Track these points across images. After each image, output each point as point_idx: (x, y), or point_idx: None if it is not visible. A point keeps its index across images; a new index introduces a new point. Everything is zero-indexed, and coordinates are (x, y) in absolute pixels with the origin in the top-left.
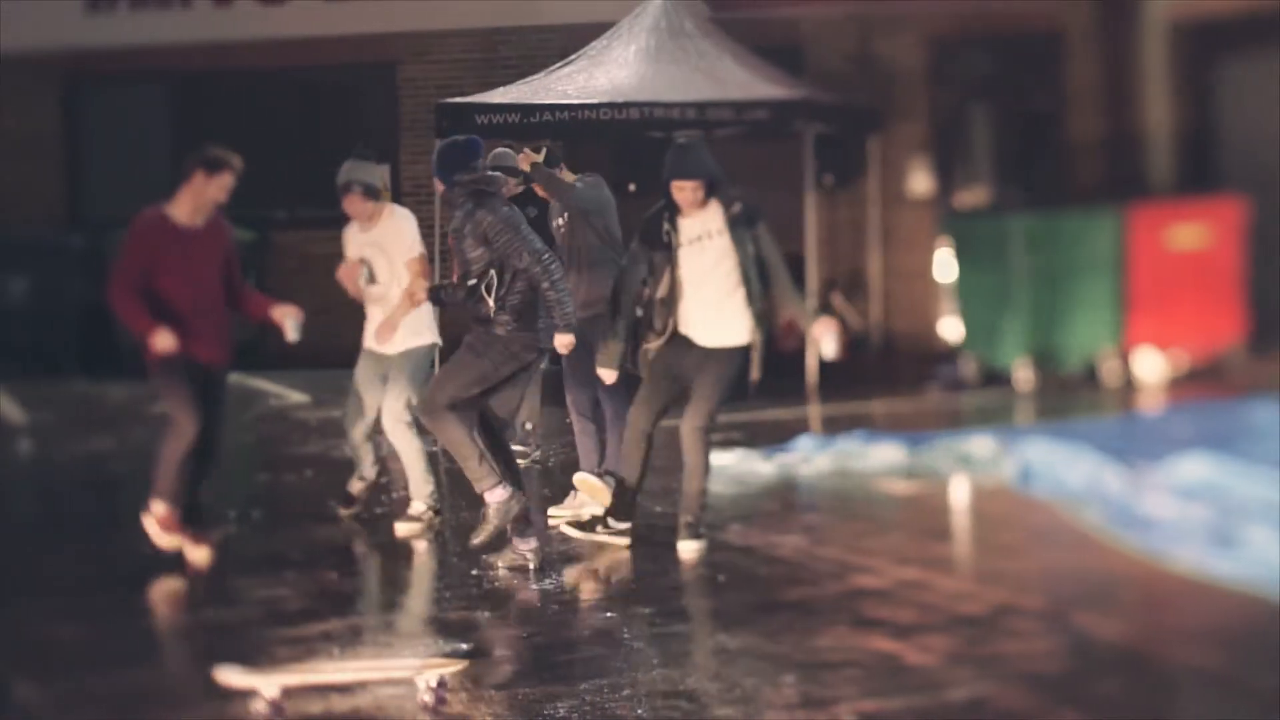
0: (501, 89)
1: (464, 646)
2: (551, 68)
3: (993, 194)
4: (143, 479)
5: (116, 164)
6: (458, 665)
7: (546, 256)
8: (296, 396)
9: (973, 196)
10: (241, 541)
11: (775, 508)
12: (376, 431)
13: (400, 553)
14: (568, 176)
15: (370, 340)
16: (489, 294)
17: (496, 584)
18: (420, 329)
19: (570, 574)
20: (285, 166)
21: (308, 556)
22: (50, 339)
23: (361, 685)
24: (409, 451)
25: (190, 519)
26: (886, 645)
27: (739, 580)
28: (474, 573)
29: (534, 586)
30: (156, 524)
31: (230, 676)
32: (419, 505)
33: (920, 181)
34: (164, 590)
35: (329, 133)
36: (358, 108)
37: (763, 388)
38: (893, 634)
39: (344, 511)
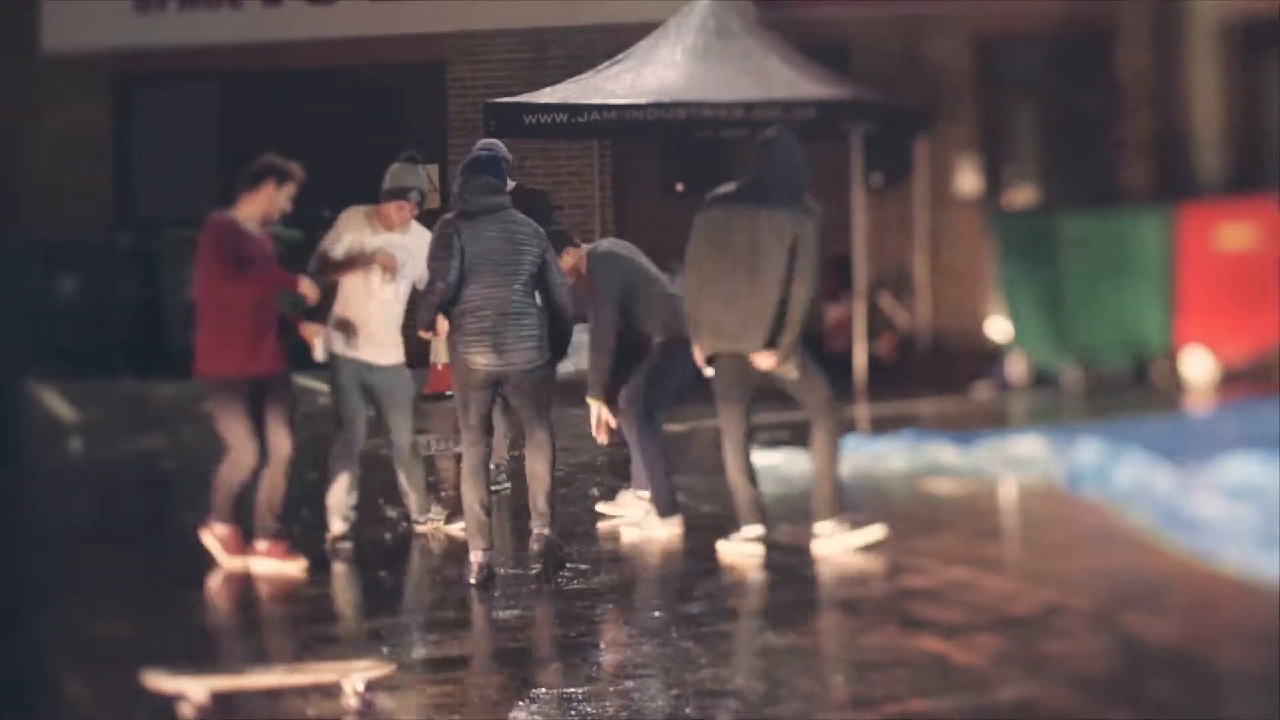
0: (549, 89)
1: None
2: (599, 67)
3: (1041, 193)
4: (192, 477)
5: (165, 164)
6: (384, 670)
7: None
8: None
9: (1021, 196)
10: (291, 540)
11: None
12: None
13: (449, 552)
14: (570, 257)
15: (357, 349)
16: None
17: (542, 584)
18: (399, 342)
19: (618, 573)
20: (333, 166)
21: (357, 554)
22: (99, 338)
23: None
24: (418, 471)
25: (279, 535)
26: (935, 645)
27: (787, 580)
28: (518, 572)
29: (580, 585)
30: (219, 544)
31: (159, 681)
32: (430, 518)
33: (968, 181)
34: (214, 589)
35: (377, 133)
36: (406, 108)
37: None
38: (941, 634)
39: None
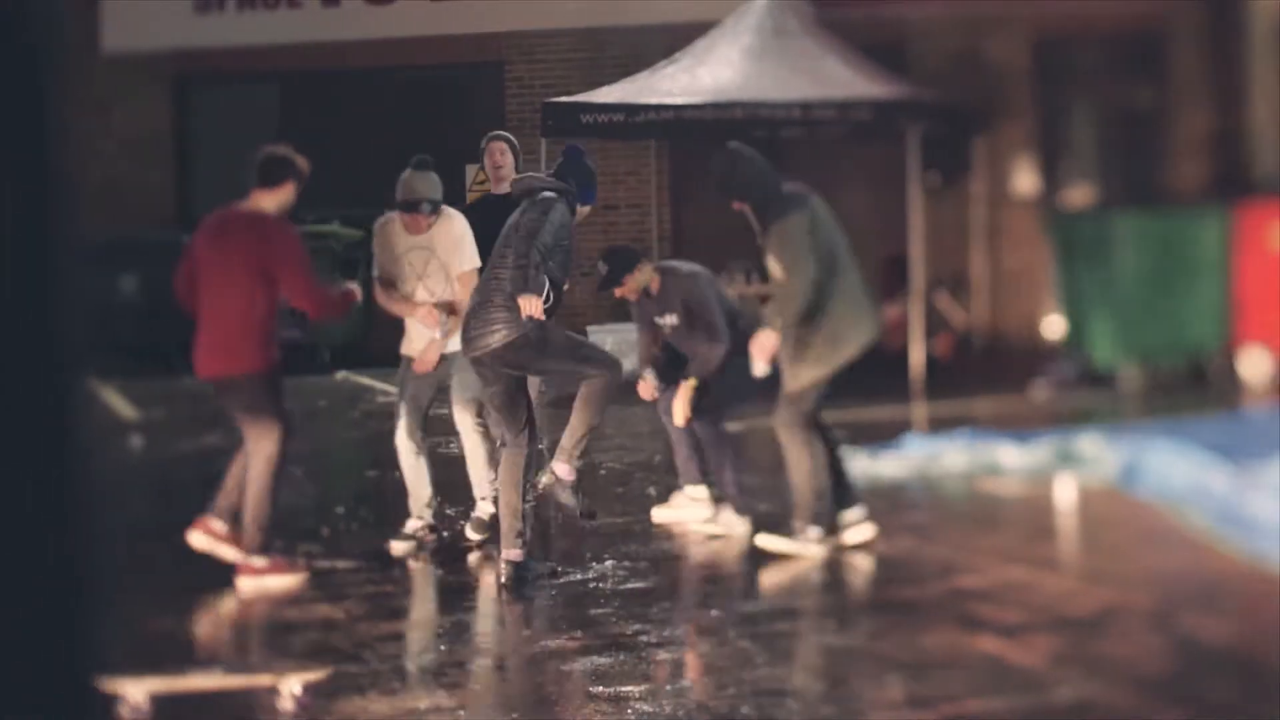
0: (606, 88)
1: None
2: (656, 66)
3: (1098, 192)
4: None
5: (225, 163)
6: (320, 673)
7: None
8: None
9: (1078, 195)
10: (350, 538)
11: (880, 507)
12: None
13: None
14: (641, 275)
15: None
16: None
17: (599, 582)
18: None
19: (676, 571)
20: (390, 165)
21: (416, 552)
22: (160, 336)
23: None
24: (480, 452)
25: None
26: (992, 645)
27: (844, 579)
28: (578, 576)
29: (637, 584)
30: (223, 543)
31: (107, 683)
32: (486, 507)
33: (1025, 180)
34: (272, 586)
35: (435, 132)
36: (464, 107)
37: (868, 387)
38: (998, 634)
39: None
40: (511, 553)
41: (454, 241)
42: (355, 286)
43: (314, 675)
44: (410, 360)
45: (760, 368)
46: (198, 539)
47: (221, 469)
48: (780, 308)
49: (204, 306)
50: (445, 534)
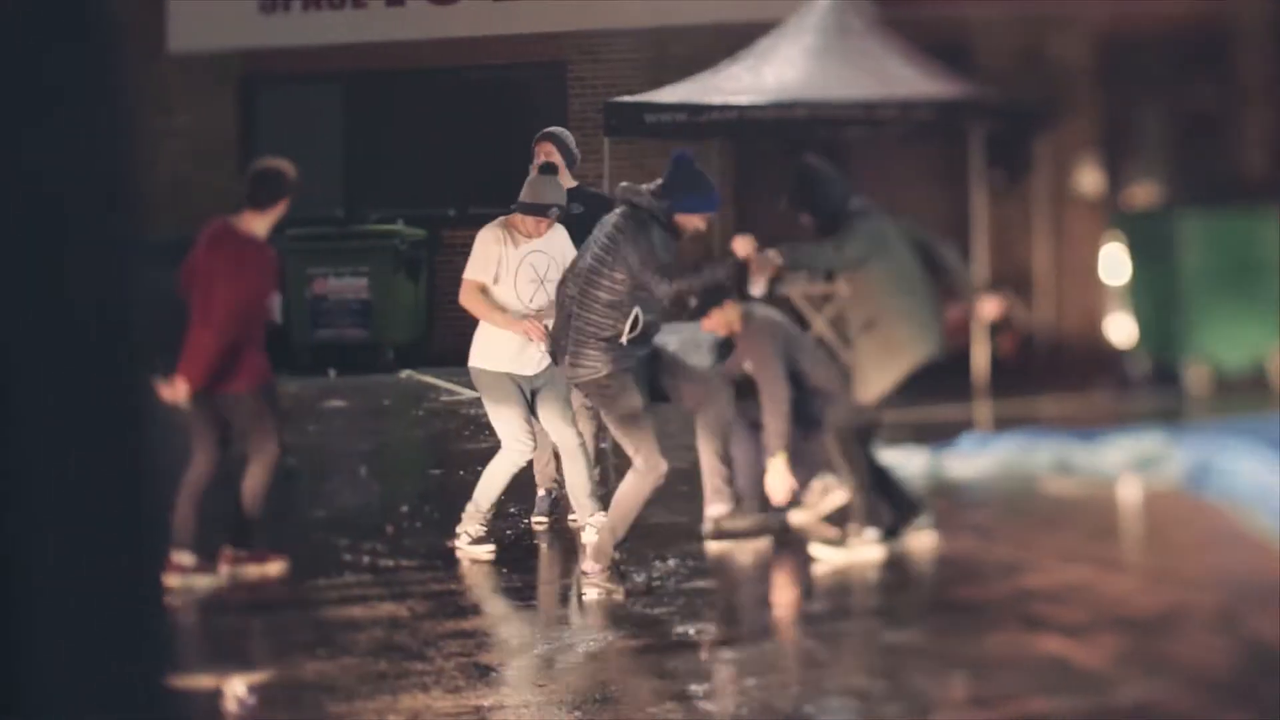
0: (669, 87)
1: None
2: (719, 66)
3: (1162, 191)
4: (318, 473)
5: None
6: (262, 677)
7: None
8: (468, 393)
9: (1142, 194)
10: (415, 536)
11: (943, 506)
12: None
13: (572, 548)
14: (726, 313)
15: (507, 363)
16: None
17: (667, 580)
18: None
19: (737, 571)
20: (455, 165)
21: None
22: None
23: None
24: (584, 465)
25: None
26: (1056, 645)
27: (907, 578)
28: (641, 576)
29: (701, 583)
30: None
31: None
32: (599, 515)
33: (1089, 180)
34: (341, 583)
35: (498, 132)
36: (527, 107)
37: (930, 385)
38: (1062, 634)
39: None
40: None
41: (563, 245)
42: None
43: (258, 678)
44: (497, 375)
45: (758, 286)
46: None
47: (287, 466)
48: (796, 248)
49: (196, 318)
50: (509, 533)
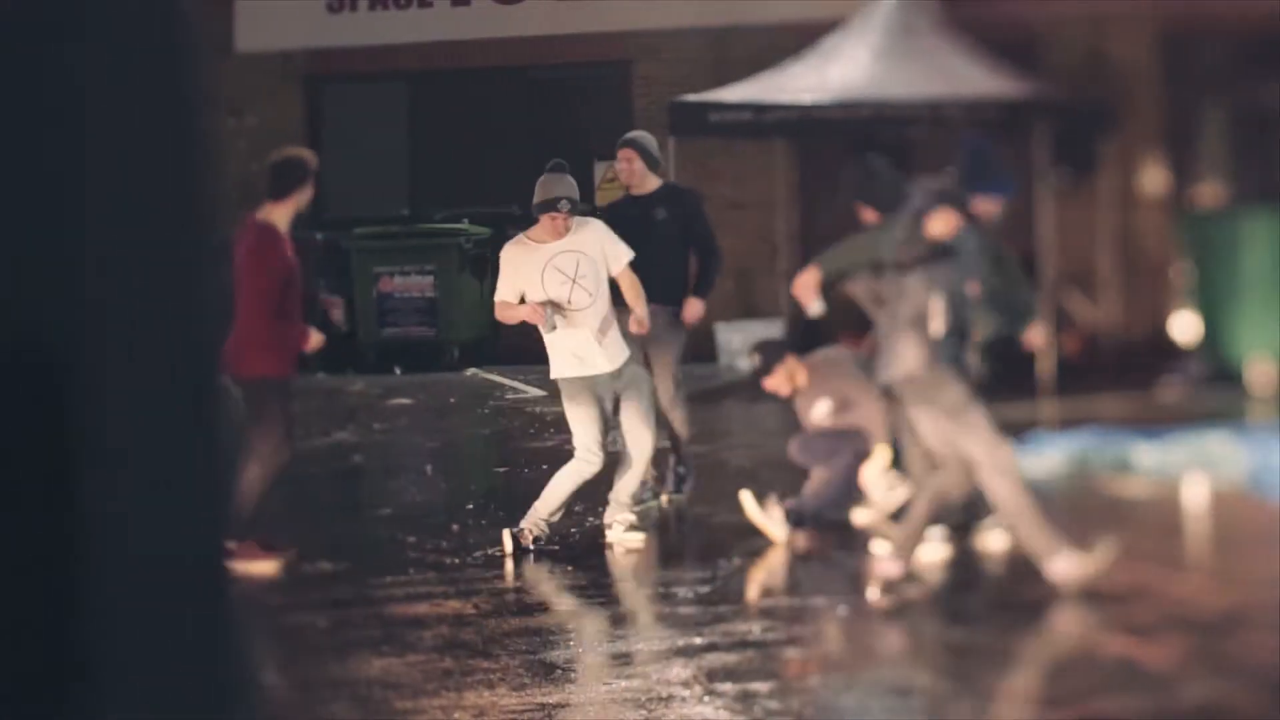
0: (734, 86)
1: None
2: (783, 65)
3: (1227, 191)
4: (381, 470)
5: (356, 163)
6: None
7: None
8: (533, 391)
9: (1207, 194)
10: (479, 533)
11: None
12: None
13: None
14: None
15: (577, 366)
16: None
17: (723, 580)
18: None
19: (803, 571)
20: (519, 164)
21: (545, 548)
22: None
23: None
24: (640, 468)
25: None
26: (1121, 645)
27: (971, 577)
28: (699, 575)
29: (764, 583)
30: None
31: None
32: (628, 517)
33: (1154, 179)
34: (407, 580)
35: (563, 131)
36: (592, 106)
37: (996, 384)
38: (1126, 633)
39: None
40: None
41: (602, 240)
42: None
43: None
44: (570, 380)
45: (812, 306)
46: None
47: (353, 464)
48: (831, 252)
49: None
50: (574, 531)
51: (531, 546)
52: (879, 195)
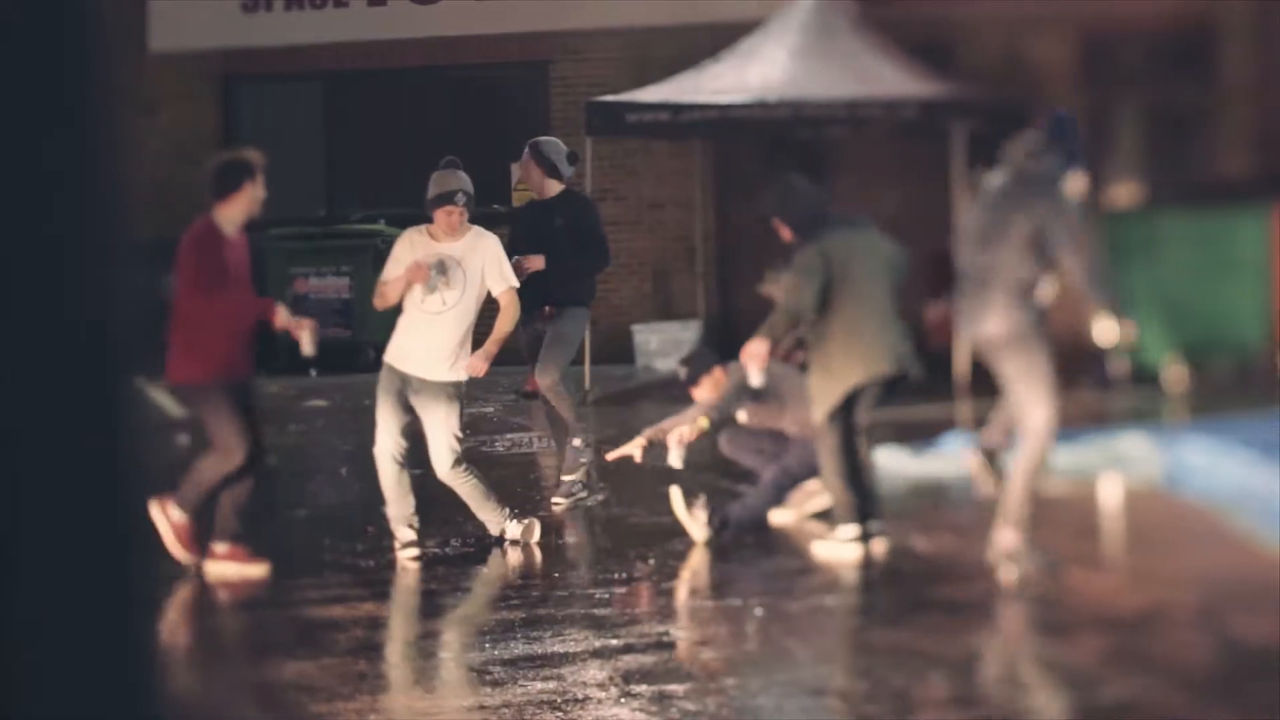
0: (652, 87)
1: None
2: (701, 66)
3: (1144, 191)
4: (298, 473)
5: (272, 163)
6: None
7: None
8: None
9: (1123, 194)
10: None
11: (923, 506)
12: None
13: (552, 546)
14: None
15: (404, 359)
16: None
17: (643, 581)
18: (448, 359)
19: (717, 572)
20: (436, 165)
21: (456, 552)
22: None
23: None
24: (471, 488)
25: (239, 538)
26: (1036, 645)
27: (887, 577)
28: (616, 576)
29: (679, 582)
30: (172, 532)
31: None
32: (513, 527)
33: (1071, 180)
34: (322, 583)
35: (480, 131)
36: (509, 106)
37: (911, 385)
38: (1042, 633)
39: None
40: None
41: (489, 257)
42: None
43: None
44: (403, 375)
45: (754, 376)
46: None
47: (267, 466)
48: (772, 321)
49: (177, 316)
50: (486, 538)
51: (411, 551)
52: (796, 215)
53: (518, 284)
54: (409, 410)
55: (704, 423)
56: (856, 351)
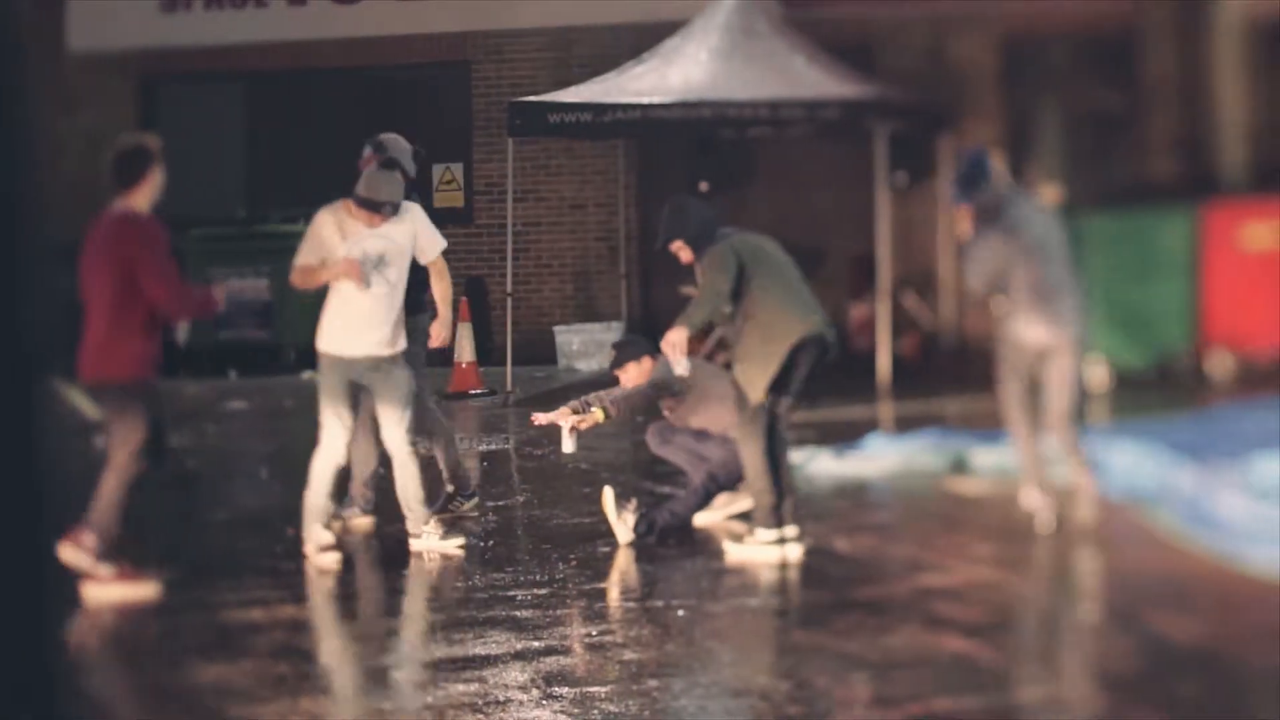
0: (574, 88)
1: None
2: (624, 66)
3: (1066, 192)
4: (219, 474)
5: (191, 163)
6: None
7: None
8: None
9: (1046, 195)
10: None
11: (846, 507)
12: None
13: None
14: (641, 369)
15: (346, 346)
16: None
17: (570, 581)
18: (393, 338)
19: (641, 573)
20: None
21: (384, 553)
22: None
23: None
24: (413, 472)
25: (124, 551)
26: (957, 644)
27: (810, 578)
28: (537, 578)
29: (602, 584)
30: (90, 556)
31: None
32: (435, 526)
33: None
34: (241, 586)
35: (402, 132)
36: (431, 106)
37: (835, 387)
38: (964, 633)
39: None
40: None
41: (415, 229)
42: (219, 289)
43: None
44: (340, 360)
45: (679, 365)
46: (68, 552)
47: (185, 469)
48: (690, 311)
49: (88, 312)
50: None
51: (331, 555)
52: (693, 233)
53: (445, 245)
54: (357, 400)
55: (599, 414)
56: (777, 330)
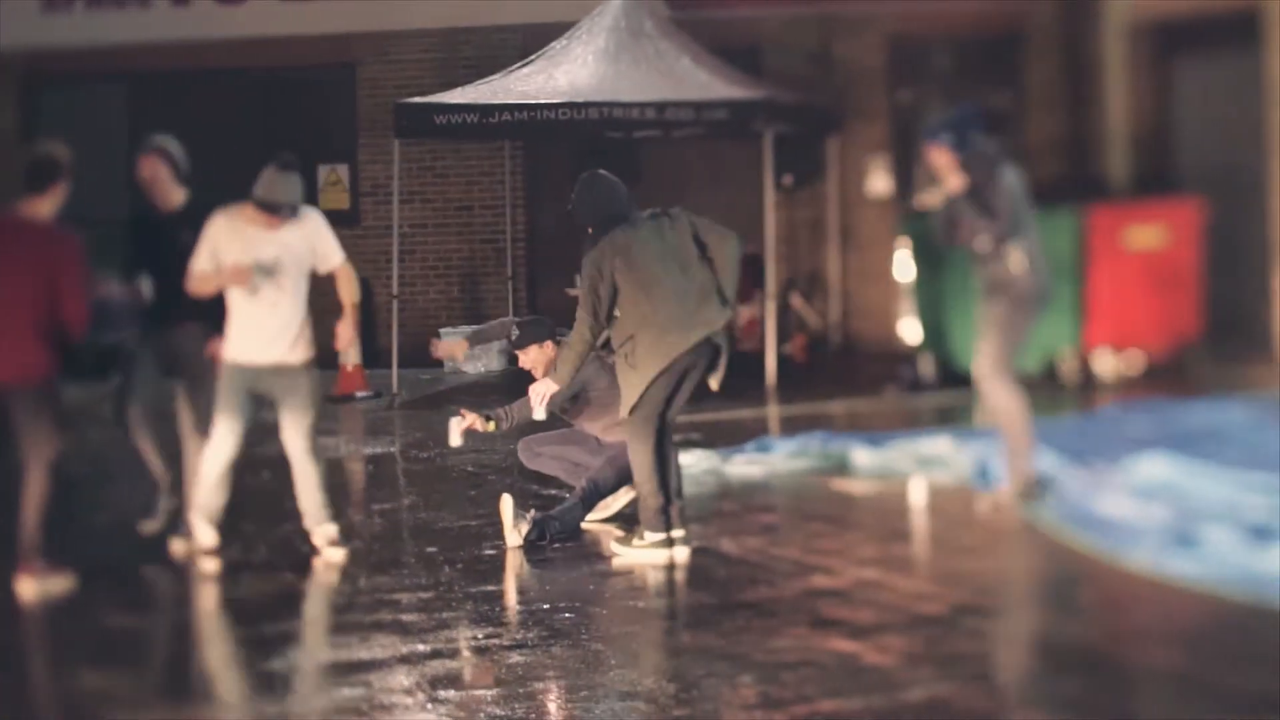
0: (460, 89)
1: None
2: (511, 68)
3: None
4: (99, 479)
5: (74, 163)
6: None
7: None
8: None
9: (932, 197)
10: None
11: (733, 508)
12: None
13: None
14: (543, 354)
15: (248, 352)
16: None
17: (455, 585)
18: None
19: (528, 576)
20: (241, 166)
21: (265, 559)
22: None
23: None
24: (312, 474)
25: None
26: (845, 645)
27: (696, 580)
28: (422, 581)
29: (488, 588)
30: (47, 572)
31: None
32: (330, 529)
33: (879, 181)
34: (124, 589)
35: (287, 133)
36: (316, 108)
37: (722, 387)
38: (851, 634)
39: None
40: None
41: (313, 237)
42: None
43: None
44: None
45: (538, 411)
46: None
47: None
48: (559, 366)
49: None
50: (305, 548)
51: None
52: (591, 212)
53: (344, 256)
54: (254, 407)
55: (490, 425)
56: (658, 347)
